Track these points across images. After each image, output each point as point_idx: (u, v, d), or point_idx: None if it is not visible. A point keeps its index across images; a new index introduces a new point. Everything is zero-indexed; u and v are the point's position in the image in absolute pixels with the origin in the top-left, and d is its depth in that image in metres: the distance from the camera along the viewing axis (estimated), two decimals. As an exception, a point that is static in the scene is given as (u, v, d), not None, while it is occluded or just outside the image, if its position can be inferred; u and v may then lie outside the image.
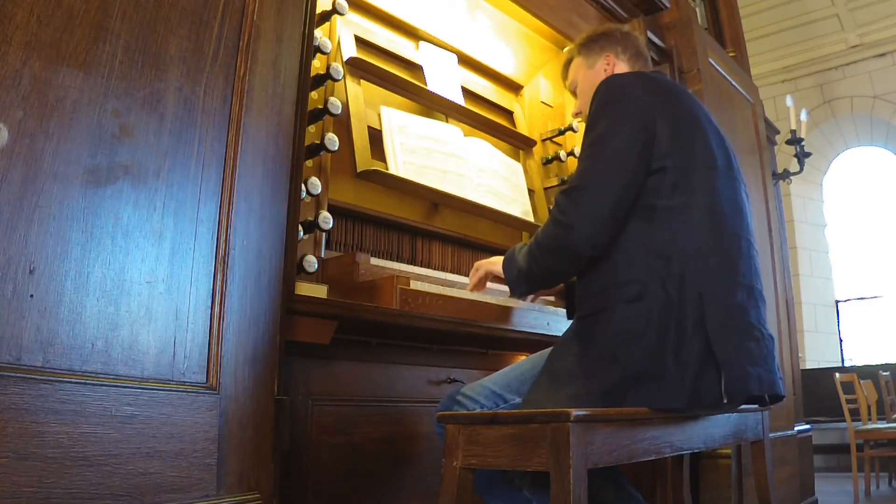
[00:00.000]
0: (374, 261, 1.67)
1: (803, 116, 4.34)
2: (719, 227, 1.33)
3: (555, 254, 1.36)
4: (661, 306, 1.26)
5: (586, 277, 1.39)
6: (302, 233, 1.46)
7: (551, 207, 1.37)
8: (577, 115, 1.69)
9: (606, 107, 1.37)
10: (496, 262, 1.56)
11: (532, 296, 1.74)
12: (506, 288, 1.55)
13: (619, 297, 1.30)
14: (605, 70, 1.59)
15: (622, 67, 1.59)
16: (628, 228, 1.32)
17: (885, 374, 5.18)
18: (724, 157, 1.43)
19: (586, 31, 1.74)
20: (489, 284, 1.65)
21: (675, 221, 1.31)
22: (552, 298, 1.88)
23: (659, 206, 1.31)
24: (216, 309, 1.15)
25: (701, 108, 1.48)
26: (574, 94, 1.69)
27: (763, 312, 1.37)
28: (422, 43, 2.18)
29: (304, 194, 1.46)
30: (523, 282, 1.46)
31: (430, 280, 1.69)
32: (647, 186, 1.32)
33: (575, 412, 1.07)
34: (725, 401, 1.26)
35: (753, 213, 1.52)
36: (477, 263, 1.65)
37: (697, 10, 3.45)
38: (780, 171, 4.07)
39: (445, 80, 2.17)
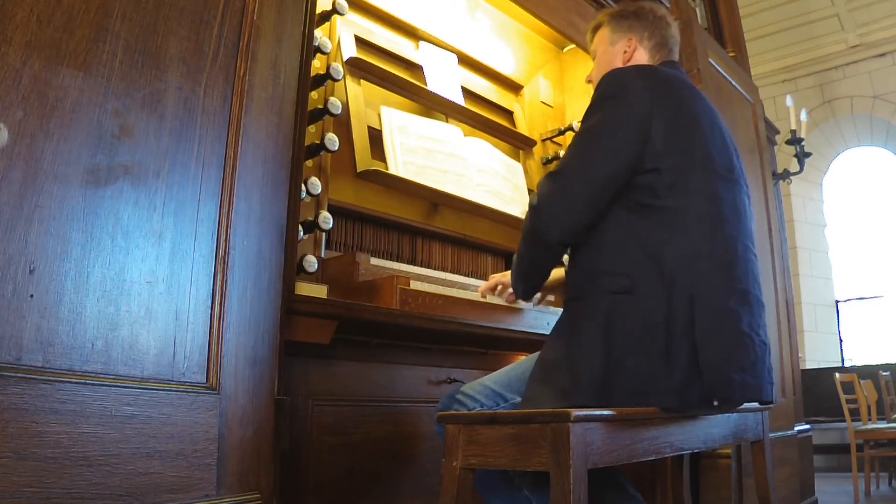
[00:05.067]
0: (374, 261, 1.67)
1: (803, 116, 4.34)
2: (717, 231, 1.33)
3: (531, 239, 1.40)
4: (651, 304, 1.26)
5: (574, 262, 1.40)
6: (302, 233, 1.46)
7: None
8: (589, 81, 1.68)
9: (604, 102, 1.37)
10: (507, 275, 1.60)
11: (538, 299, 1.74)
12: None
13: (608, 286, 1.30)
14: (625, 52, 1.58)
15: (641, 54, 1.58)
16: (620, 219, 1.32)
17: (885, 374, 5.17)
18: (725, 159, 1.41)
19: (623, 2, 1.71)
20: None
21: (671, 223, 1.30)
22: (552, 298, 1.87)
23: (655, 206, 1.31)
24: (216, 309, 1.15)
25: (706, 108, 1.46)
26: (594, 58, 1.69)
27: (759, 318, 1.36)
28: (422, 43, 2.18)
29: (304, 194, 1.46)
30: (519, 277, 1.48)
31: (430, 280, 1.69)
32: (640, 184, 1.32)
33: (575, 412, 1.07)
34: (716, 403, 1.26)
35: (754, 215, 1.52)
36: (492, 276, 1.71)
37: (697, 10, 3.45)
38: (780, 171, 4.06)
39: (445, 80, 2.17)
